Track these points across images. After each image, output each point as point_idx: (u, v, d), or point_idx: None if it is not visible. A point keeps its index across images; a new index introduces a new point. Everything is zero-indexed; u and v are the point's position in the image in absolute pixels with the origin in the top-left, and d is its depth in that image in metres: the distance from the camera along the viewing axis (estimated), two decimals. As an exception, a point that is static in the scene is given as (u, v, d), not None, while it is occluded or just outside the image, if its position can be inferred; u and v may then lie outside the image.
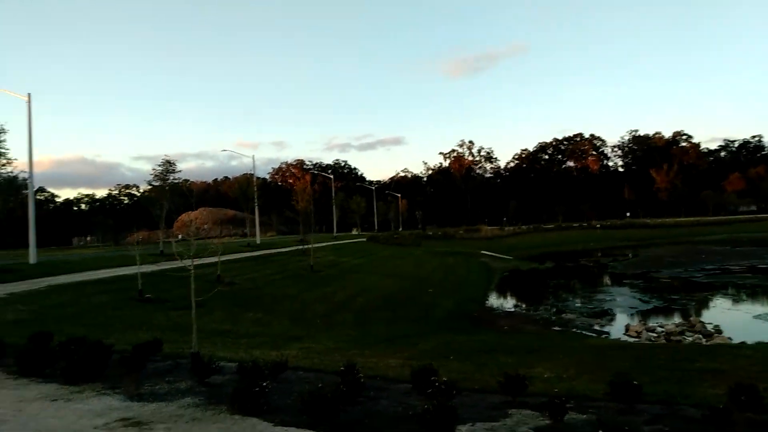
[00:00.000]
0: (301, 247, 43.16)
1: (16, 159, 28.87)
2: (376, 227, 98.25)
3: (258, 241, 56.89)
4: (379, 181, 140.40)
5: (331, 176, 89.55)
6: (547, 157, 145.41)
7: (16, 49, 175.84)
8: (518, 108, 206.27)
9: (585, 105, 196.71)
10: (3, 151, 27.88)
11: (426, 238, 75.96)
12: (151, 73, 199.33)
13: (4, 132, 27.94)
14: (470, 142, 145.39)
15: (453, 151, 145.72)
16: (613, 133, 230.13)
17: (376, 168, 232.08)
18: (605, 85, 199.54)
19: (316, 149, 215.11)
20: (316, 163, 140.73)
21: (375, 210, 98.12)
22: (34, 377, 8.04)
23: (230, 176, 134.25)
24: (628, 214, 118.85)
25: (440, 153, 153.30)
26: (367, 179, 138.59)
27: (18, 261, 31.78)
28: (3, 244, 31.39)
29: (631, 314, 24.74)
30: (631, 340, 18.98)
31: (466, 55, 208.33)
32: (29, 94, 33.02)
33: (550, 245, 75.80)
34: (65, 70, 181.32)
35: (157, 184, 40.88)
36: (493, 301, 31.66)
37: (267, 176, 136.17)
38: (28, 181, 33.31)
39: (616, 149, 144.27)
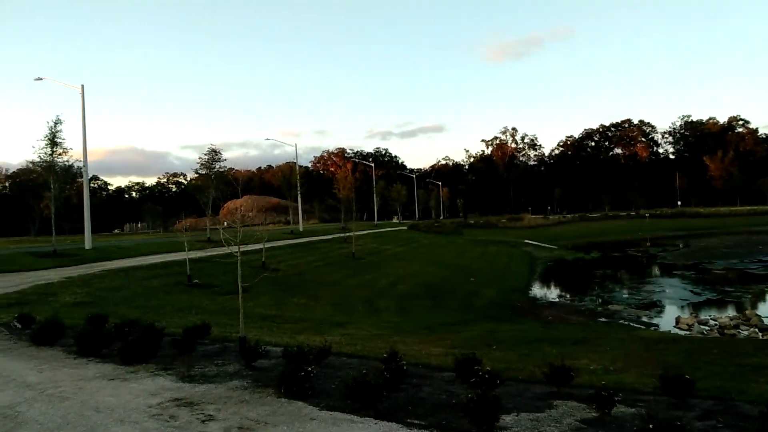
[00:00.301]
0: (342, 234, 43.57)
1: (71, 149, 30.06)
2: (417, 215, 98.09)
3: (301, 229, 57.75)
4: (420, 169, 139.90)
5: (372, 164, 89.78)
6: (593, 144, 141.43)
7: (70, 41, 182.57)
8: (563, 94, 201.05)
9: (633, 90, 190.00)
10: (59, 141, 29.17)
11: (467, 226, 75.40)
12: (198, 64, 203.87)
13: (61, 122, 29.20)
14: (513, 129, 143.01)
15: (495, 138, 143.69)
16: (663, 119, 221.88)
17: (417, 156, 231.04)
18: (655, 69, 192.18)
19: (358, 137, 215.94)
20: (357, 152, 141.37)
21: (416, 198, 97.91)
22: (92, 357, 8.43)
23: (273, 165, 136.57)
24: (679, 202, 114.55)
25: (482, 140, 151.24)
26: (408, 167, 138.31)
27: (75, 246, 33.31)
28: (60, 229, 32.92)
29: (682, 306, 23.92)
30: (682, 333, 18.36)
31: (509, 40, 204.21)
32: (82, 86, 34.30)
33: (596, 235, 73.95)
34: (116, 61, 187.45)
35: (203, 172, 41.99)
36: (537, 291, 31.20)
37: (309, 164, 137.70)
38: (82, 170, 34.76)
39: (666, 136, 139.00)
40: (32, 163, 33.05)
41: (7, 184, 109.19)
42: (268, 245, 28.23)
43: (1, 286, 17.92)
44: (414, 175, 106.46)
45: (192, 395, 6.28)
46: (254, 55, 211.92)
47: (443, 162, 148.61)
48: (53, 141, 28.72)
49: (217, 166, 41.44)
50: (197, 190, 44.95)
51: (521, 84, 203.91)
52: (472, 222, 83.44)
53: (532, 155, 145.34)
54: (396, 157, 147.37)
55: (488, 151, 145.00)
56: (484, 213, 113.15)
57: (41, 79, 35.81)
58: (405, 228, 65.99)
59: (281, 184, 60.27)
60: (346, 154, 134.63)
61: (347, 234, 40.64)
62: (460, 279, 32.31)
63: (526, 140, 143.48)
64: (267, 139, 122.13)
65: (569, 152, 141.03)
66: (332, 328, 15.02)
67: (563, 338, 14.34)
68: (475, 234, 65.65)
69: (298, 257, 32.00)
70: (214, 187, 41.67)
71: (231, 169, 56.51)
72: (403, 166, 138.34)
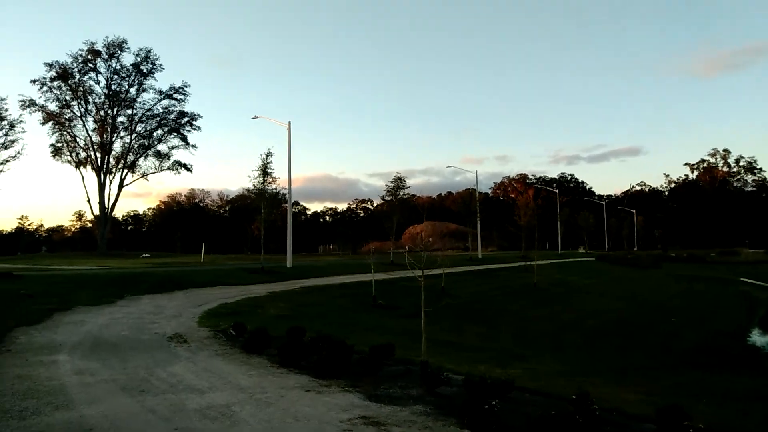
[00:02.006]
0: (523, 263, 42.22)
1: (279, 177, 34.09)
2: (606, 245, 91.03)
3: (479, 255, 57.38)
4: (610, 196, 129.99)
5: (556, 190, 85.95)
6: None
7: (279, 82, 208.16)
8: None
9: None
10: (269, 171, 33.29)
11: (667, 259, 67.72)
12: (384, 97, 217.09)
13: (271, 155, 33.35)
14: (725, 150, 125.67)
15: (702, 161, 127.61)
16: None
17: (608, 181, 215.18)
18: None
19: (541, 162, 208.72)
20: (540, 177, 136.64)
21: (605, 227, 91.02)
22: (292, 368, 9.26)
23: (453, 191, 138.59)
24: None
25: (686, 164, 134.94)
26: (596, 193, 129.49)
27: (278, 264, 37.36)
28: (266, 249, 37.38)
29: None
30: None
31: (721, 51, 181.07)
32: (289, 122, 38.77)
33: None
34: (316, 98, 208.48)
35: (389, 199, 44.31)
36: (758, 338, 26.57)
37: (489, 191, 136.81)
38: (287, 196, 39.08)
39: None
40: (247, 190, 38.13)
41: (227, 208, 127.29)
42: (447, 271, 28.54)
43: (223, 296, 20.83)
44: (603, 202, 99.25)
45: (379, 415, 6.52)
46: (437, 86, 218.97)
47: (638, 188, 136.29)
48: (265, 171, 32.89)
49: (401, 193, 43.43)
50: (383, 215, 47.51)
51: (735, 100, 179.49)
52: (673, 254, 74.71)
53: (749, 180, 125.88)
54: (583, 182, 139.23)
55: (693, 176, 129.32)
56: (687, 245, 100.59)
57: (257, 117, 41.37)
58: (592, 259, 61.62)
59: (460, 210, 60.80)
60: (527, 180, 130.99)
61: (528, 263, 39.27)
62: (656, 318, 29.00)
63: (741, 163, 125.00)
64: (448, 167, 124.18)
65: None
66: (513, 360, 14.51)
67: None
68: (677, 268, 58.56)
69: (477, 284, 31.77)
70: (398, 213, 43.67)
71: (413, 195, 58.79)
72: (590, 192, 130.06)
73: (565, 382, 10.82)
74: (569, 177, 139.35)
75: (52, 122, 70.80)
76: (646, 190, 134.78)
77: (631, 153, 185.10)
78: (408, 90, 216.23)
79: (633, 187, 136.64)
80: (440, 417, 6.44)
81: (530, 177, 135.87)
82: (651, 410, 6.79)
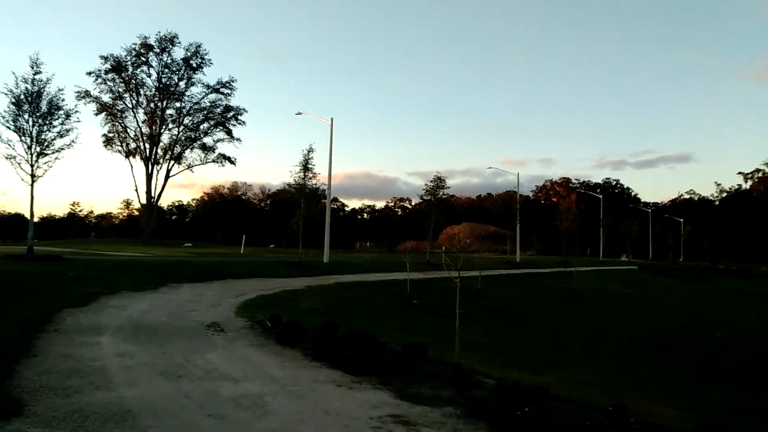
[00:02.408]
0: (562, 269, 41.41)
1: (319, 173, 34.45)
2: (650, 254, 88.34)
3: (517, 259, 56.59)
4: (657, 203, 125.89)
5: (600, 196, 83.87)
6: None
7: (322, 78, 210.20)
8: None
9: None
10: (311, 166, 33.66)
11: (715, 271, 65.05)
12: (427, 95, 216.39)
13: (313, 150, 33.71)
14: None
15: (757, 170, 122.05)
16: None
17: (655, 188, 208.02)
18: None
19: (586, 167, 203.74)
20: (583, 182, 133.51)
21: (650, 235, 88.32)
22: (324, 362, 9.36)
23: (493, 193, 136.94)
24: None
25: (739, 173, 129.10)
26: (642, 200, 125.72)
27: (315, 259, 37.77)
28: (304, 243, 37.85)
29: None
30: None
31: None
32: (332, 119, 39.08)
33: None
34: (359, 94, 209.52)
35: (427, 198, 44.15)
36: (810, 358, 25.26)
37: (530, 194, 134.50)
38: (326, 192, 39.45)
39: None
40: (288, 185, 38.66)
41: (268, 202, 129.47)
42: (483, 273, 28.25)
43: (261, 288, 21.22)
44: (649, 209, 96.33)
45: (409, 414, 6.52)
46: (482, 85, 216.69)
47: (686, 196, 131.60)
48: (306, 166, 33.28)
49: (440, 193, 43.20)
50: (421, 214, 47.41)
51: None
52: (722, 267, 71.72)
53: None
54: (628, 188, 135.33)
55: (746, 186, 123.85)
56: (737, 258, 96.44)
57: (300, 113, 41.89)
58: (635, 267, 59.85)
59: (500, 213, 60.10)
60: (570, 184, 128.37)
61: (568, 269, 38.48)
62: (700, 332, 27.93)
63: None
64: (489, 168, 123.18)
65: None
66: (546, 367, 14.27)
67: None
68: (725, 281, 56.24)
69: (513, 288, 31.33)
70: (436, 212, 43.47)
71: (452, 196, 58.43)
72: (636, 199, 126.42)
73: (600, 393, 10.58)
74: (614, 182, 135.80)
75: (105, 113, 73.54)
76: (695, 198, 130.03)
77: (681, 160, 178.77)
78: (452, 89, 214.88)
79: (681, 195, 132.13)
80: (471, 420, 6.39)
81: (573, 181, 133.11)
82: (690, 426, 6.56)
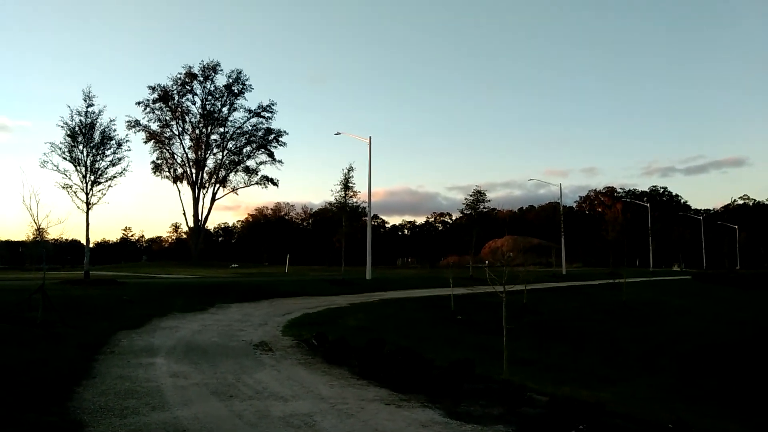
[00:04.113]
0: (611, 280, 40.18)
1: (359, 191, 34.76)
2: (704, 263, 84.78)
3: (564, 271, 55.29)
4: (708, 210, 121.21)
5: (647, 204, 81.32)
6: None
7: (360, 99, 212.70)
8: None
9: None
10: (350, 185, 34.03)
11: (775, 279, 61.77)
12: (465, 109, 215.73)
13: (353, 169, 34.10)
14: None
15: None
16: None
17: (706, 195, 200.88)
18: None
19: (632, 175, 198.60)
20: (629, 190, 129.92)
21: (703, 243, 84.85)
22: (371, 379, 9.33)
23: (536, 205, 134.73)
24: None
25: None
26: (693, 207, 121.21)
27: (358, 276, 37.92)
28: (346, 261, 38.14)
29: None
30: None
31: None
32: (370, 138, 39.47)
33: None
34: (397, 113, 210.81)
35: (468, 212, 43.82)
36: None
37: (574, 205, 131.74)
38: (366, 210, 39.69)
39: None
40: (329, 203, 39.12)
41: (310, 221, 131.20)
42: (529, 287, 27.71)
43: (307, 307, 21.44)
44: (700, 217, 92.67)
45: (459, 433, 6.41)
46: (520, 95, 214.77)
47: (740, 201, 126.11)
48: (346, 185, 33.69)
49: (481, 207, 42.84)
50: (462, 229, 47.08)
51: None
52: (783, 274, 68.08)
53: None
54: (677, 195, 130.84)
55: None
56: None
57: (339, 133, 42.64)
58: (688, 277, 57.54)
59: (543, 224, 58.98)
60: (615, 194, 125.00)
61: (616, 280, 37.32)
62: (763, 344, 26.48)
63: None
64: (530, 179, 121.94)
65: None
66: (600, 383, 13.81)
67: None
68: (787, 289, 53.33)
69: (561, 301, 30.59)
70: (477, 226, 43.08)
71: (494, 209, 57.81)
72: (685, 206, 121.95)
73: (659, 409, 10.14)
74: (661, 190, 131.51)
75: (153, 141, 76.59)
76: (750, 204, 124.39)
77: (734, 164, 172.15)
78: (490, 102, 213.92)
79: (734, 200, 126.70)
80: (523, 439, 6.23)
81: (618, 190, 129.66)
82: (760, 445, 6.20)
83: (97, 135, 27.14)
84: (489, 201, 44.10)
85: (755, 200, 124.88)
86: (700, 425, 8.56)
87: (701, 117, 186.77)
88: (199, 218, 78.10)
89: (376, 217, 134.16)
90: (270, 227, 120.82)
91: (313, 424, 6.63)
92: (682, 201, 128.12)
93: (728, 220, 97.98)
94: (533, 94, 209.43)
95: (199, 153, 77.61)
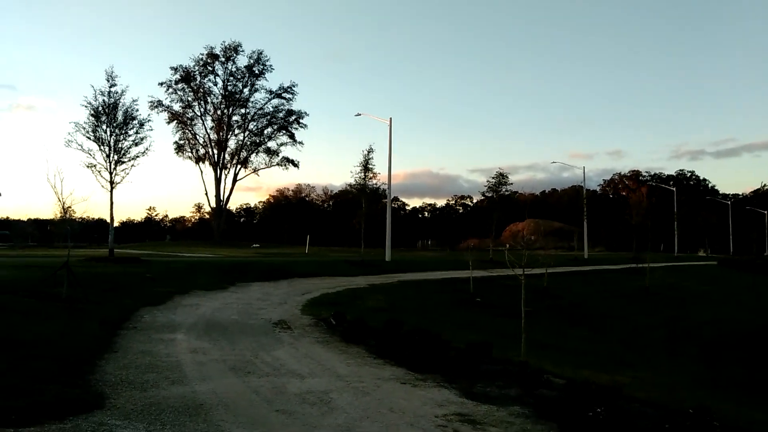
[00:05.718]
0: (634, 265, 39.63)
1: (379, 173, 34.66)
2: (730, 249, 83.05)
3: (585, 256, 54.72)
4: (737, 195, 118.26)
5: (673, 188, 79.68)
6: None
7: (382, 78, 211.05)
8: None
9: None
10: (371, 167, 33.93)
11: (805, 266, 60.25)
12: (488, 90, 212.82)
13: (373, 151, 33.96)
14: None
15: None
16: None
17: (736, 179, 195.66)
18: None
19: (659, 158, 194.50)
20: (655, 174, 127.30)
21: (730, 228, 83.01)
22: (388, 359, 9.35)
23: (559, 188, 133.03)
24: None
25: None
26: (721, 192, 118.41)
27: (377, 258, 38.01)
28: (366, 243, 38.23)
29: None
30: None
31: None
32: (390, 119, 39.16)
33: None
34: (419, 93, 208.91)
35: (489, 195, 43.48)
36: None
37: (597, 188, 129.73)
38: (387, 192, 39.60)
39: None
40: (349, 185, 39.14)
41: (330, 203, 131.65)
42: (550, 271, 27.47)
43: (326, 287, 21.59)
44: (728, 201, 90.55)
45: (475, 413, 6.39)
46: (544, 77, 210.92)
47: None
48: (366, 167, 33.61)
49: (503, 189, 42.47)
50: (483, 212, 46.82)
51: None
52: (813, 261, 66.36)
53: None
54: (705, 180, 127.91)
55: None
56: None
57: (360, 114, 42.35)
58: (714, 263, 56.44)
59: (565, 208, 58.29)
60: (641, 177, 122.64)
61: (640, 265, 36.78)
62: (792, 331, 25.90)
63: None
64: (553, 162, 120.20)
65: None
66: (620, 368, 13.63)
67: None
68: (818, 277, 52.03)
69: (581, 286, 30.31)
70: (498, 209, 42.75)
71: (515, 192, 57.26)
72: (713, 191, 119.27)
73: (679, 395, 9.99)
74: (688, 174, 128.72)
75: (176, 121, 77.27)
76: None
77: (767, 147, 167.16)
78: (513, 82, 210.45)
79: (765, 185, 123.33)
80: (539, 421, 6.18)
81: (644, 174, 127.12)
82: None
83: (120, 115, 27.48)
84: (511, 184, 43.85)
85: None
86: (721, 412, 8.40)
87: (734, 99, 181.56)
88: (221, 199, 78.93)
89: (396, 199, 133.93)
90: (291, 208, 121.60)
91: (329, 401, 6.67)
92: (710, 185, 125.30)
93: (758, 206, 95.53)
94: (557, 74, 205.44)
95: (221, 134, 78.12)
